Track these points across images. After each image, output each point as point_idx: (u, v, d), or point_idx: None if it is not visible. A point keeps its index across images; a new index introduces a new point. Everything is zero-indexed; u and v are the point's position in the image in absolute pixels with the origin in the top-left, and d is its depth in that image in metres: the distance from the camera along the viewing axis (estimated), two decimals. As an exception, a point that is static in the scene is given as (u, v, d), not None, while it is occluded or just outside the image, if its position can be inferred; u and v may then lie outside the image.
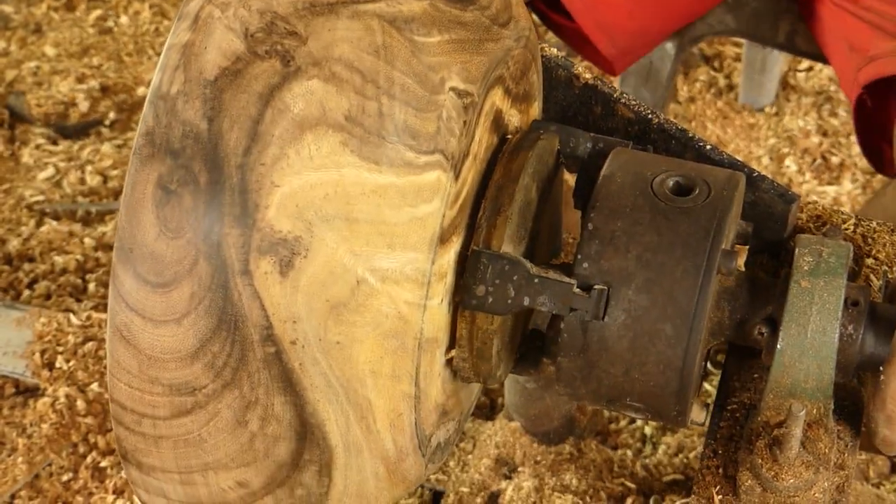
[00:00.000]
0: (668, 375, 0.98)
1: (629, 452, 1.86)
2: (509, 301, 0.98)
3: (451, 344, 1.02)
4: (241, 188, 0.88)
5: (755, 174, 1.12)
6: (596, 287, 0.97)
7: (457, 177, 0.97)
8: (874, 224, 1.18)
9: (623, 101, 1.16)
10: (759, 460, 0.99)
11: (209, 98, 0.88)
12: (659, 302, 0.96)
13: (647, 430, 1.92)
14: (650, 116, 1.15)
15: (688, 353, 0.97)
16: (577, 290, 0.97)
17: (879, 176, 2.37)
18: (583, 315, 0.97)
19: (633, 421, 1.93)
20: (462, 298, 0.99)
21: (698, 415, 1.05)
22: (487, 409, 1.95)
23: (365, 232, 0.92)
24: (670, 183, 1.00)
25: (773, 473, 0.99)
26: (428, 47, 0.94)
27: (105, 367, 1.92)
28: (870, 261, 1.15)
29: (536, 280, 0.98)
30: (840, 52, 1.63)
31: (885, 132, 1.64)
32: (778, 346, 1.00)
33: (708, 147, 1.13)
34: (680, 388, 0.98)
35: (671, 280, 0.96)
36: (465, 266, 0.99)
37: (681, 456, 1.85)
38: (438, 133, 0.94)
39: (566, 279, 0.97)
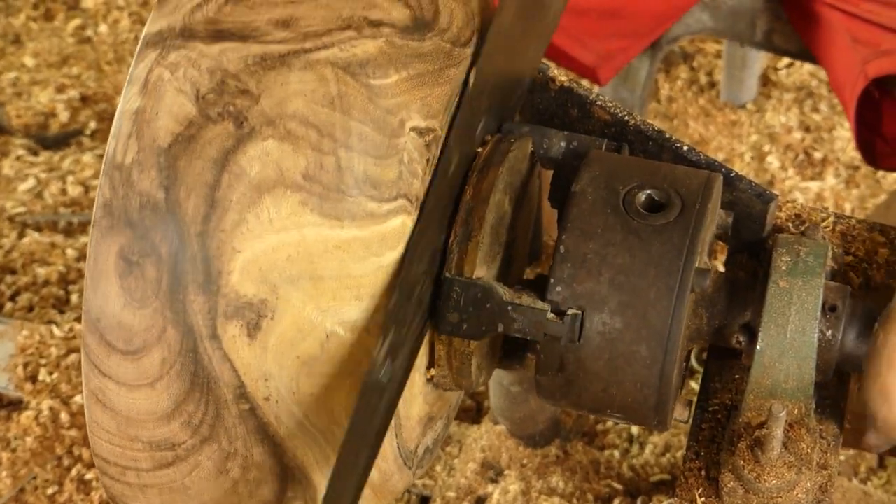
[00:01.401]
0: (646, 393, 0.98)
1: (616, 453, 1.86)
2: (483, 328, 0.98)
3: (431, 363, 1.02)
4: (202, 256, 0.87)
5: (732, 174, 1.12)
6: (570, 312, 0.97)
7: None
8: (853, 221, 1.17)
9: (599, 103, 1.16)
10: (741, 462, 0.99)
11: (164, 167, 0.87)
12: (633, 325, 0.96)
13: (634, 430, 1.92)
14: (626, 118, 1.15)
15: (664, 373, 0.97)
16: (551, 315, 0.97)
17: (863, 170, 2.37)
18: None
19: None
20: (436, 324, 0.99)
21: (682, 413, 1.05)
22: (474, 412, 1.95)
23: (331, 288, 0.91)
24: (642, 198, 0.99)
25: (755, 475, 0.99)
26: (385, 90, 0.92)
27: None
28: (849, 258, 1.15)
29: (510, 307, 0.97)
30: (838, 46, 1.63)
31: (877, 127, 1.64)
32: (757, 347, 1.00)
33: (685, 148, 1.13)
34: (658, 403, 0.99)
35: (645, 302, 0.96)
36: (438, 292, 0.98)
37: (668, 455, 1.85)
38: (400, 178, 0.93)
39: (539, 305, 0.97)
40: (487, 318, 0.98)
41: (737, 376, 1.10)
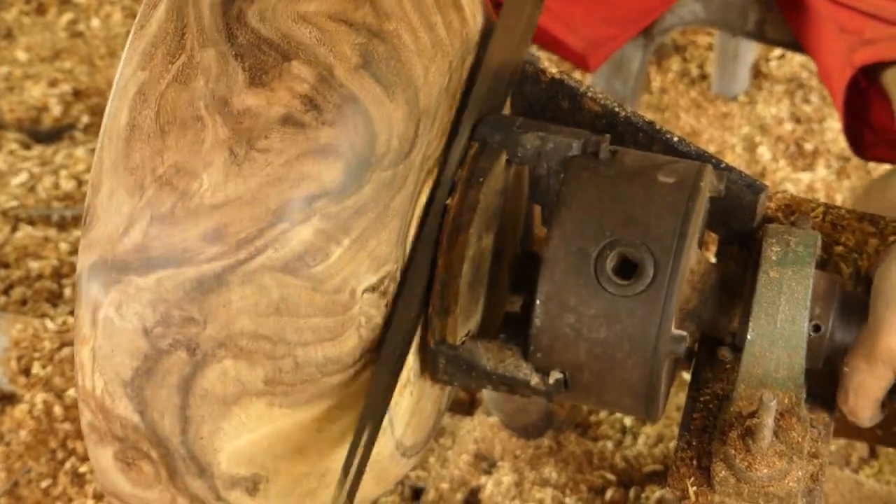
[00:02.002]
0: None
1: (609, 444, 1.87)
2: (474, 385, 1.04)
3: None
4: (189, 457, 0.91)
5: (722, 165, 1.12)
6: (553, 375, 1.01)
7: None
8: (843, 211, 1.18)
9: (590, 94, 1.16)
10: (733, 451, 1.00)
11: (132, 396, 0.90)
12: (613, 387, 1.01)
13: (627, 422, 1.92)
14: (617, 110, 1.15)
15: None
16: (535, 381, 1.01)
17: (854, 162, 2.38)
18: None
19: (612, 412, 1.94)
20: (429, 373, 1.04)
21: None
22: (467, 405, 1.95)
23: (316, 450, 0.96)
24: (614, 261, 0.98)
25: (746, 464, 0.99)
26: (329, 271, 0.90)
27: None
28: (839, 248, 1.16)
29: (494, 376, 1.02)
30: (825, 35, 1.64)
31: (864, 116, 1.65)
32: (748, 337, 1.01)
33: (675, 139, 1.14)
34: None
35: (622, 371, 0.99)
36: (424, 355, 1.03)
37: (661, 446, 1.86)
38: (361, 340, 0.94)
39: (522, 373, 1.01)
40: (476, 381, 1.03)
41: (728, 366, 1.10)
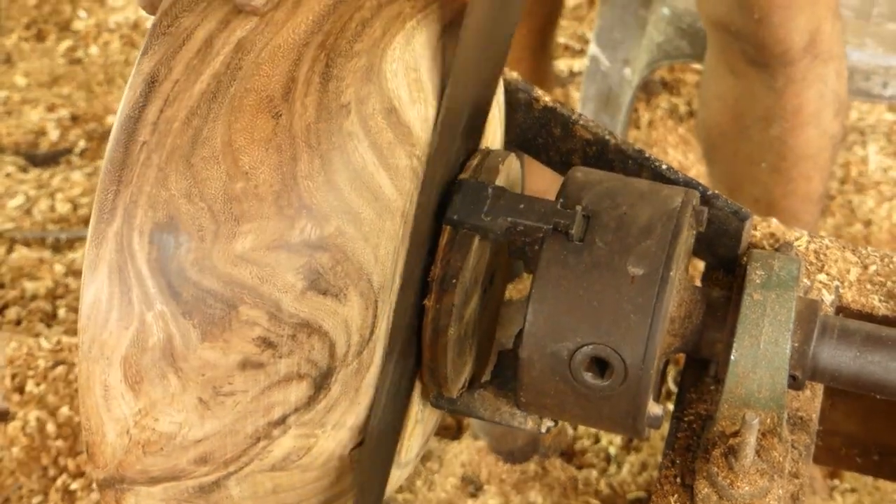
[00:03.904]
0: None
1: (594, 472, 1.88)
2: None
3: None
4: None
5: (709, 192, 1.15)
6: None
7: None
8: (826, 241, 1.21)
9: (581, 122, 1.19)
10: (716, 469, 1.01)
11: None
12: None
13: (612, 450, 1.94)
14: (607, 137, 1.18)
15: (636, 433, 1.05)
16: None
17: (839, 200, 2.41)
18: None
19: (597, 441, 1.95)
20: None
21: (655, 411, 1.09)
22: (454, 430, 1.97)
23: None
24: (587, 361, 0.99)
25: (728, 481, 1.01)
26: (313, 456, 0.97)
27: (75, 391, 1.94)
28: (822, 276, 1.18)
29: (492, 421, 1.09)
30: None
31: None
32: (732, 357, 1.03)
33: (664, 167, 1.16)
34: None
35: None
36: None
37: (645, 474, 1.88)
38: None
39: (517, 421, 1.08)
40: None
41: (712, 387, 1.12)
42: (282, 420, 0.91)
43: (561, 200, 1.00)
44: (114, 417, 0.88)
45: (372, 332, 0.95)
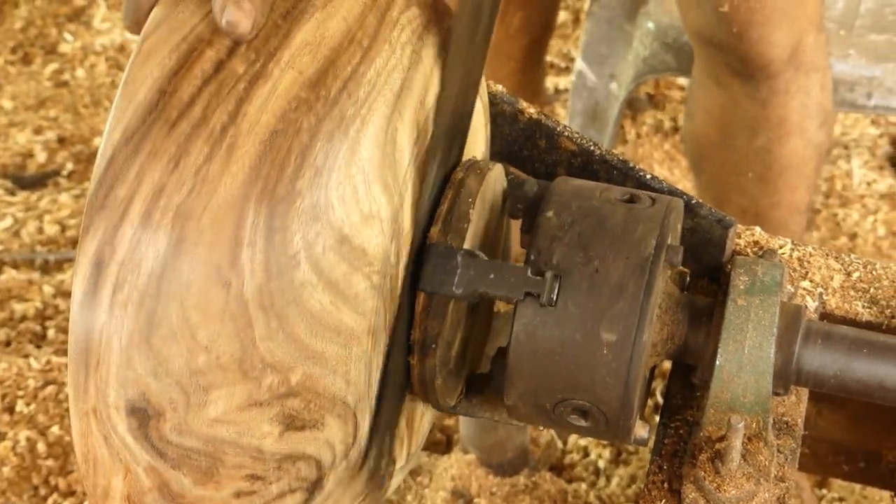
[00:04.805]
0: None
1: (583, 485, 1.89)
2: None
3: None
4: None
5: (693, 201, 1.15)
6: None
7: None
8: (809, 249, 1.22)
9: (566, 134, 1.20)
10: (702, 473, 1.02)
11: None
12: None
13: (601, 464, 1.94)
14: (592, 148, 1.19)
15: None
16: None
17: (824, 214, 2.42)
18: None
19: (586, 454, 1.96)
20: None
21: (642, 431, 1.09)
22: (444, 445, 1.98)
23: None
24: (570, 409, 1.02)
25: (715, 485, 1.02)
26: None
27: (65, 410, 1.94)
28: (805, 283, 1.19)
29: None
30: None
31: None
32: (717, 362, 1.03)
33: (648, 176, 1.17)
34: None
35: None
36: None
37: (634, 487, 1.88)
38: None
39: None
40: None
41: (698, 394, 1.13)
42: None
43: (532, 259, 0.99)
44: None
45: (355, 437, 0.97)
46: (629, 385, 0.98)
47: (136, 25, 0.94)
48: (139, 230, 0.84)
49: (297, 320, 0.88)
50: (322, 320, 0.90)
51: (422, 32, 0.98)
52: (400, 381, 1.02)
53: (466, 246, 1.00)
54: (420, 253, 0.99)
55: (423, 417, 1.13)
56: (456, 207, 1.01)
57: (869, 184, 2.52)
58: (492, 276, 0.98)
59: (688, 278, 1.11)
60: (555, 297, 0.98)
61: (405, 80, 0.95)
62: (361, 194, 0.90)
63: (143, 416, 0.87)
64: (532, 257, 0.99)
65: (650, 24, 1.96)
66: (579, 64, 2.08)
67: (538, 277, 0.97)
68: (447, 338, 1.01)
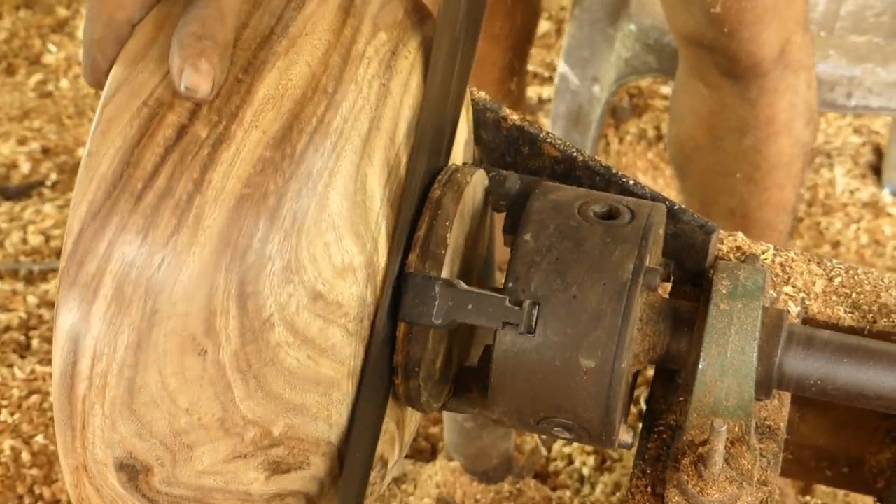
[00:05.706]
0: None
1: (568, 493, 1.89)
2: None
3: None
4: None
5: (676, 207, 1.16)
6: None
7: None
8: (792, 254, 1.23)
9: (549, 140, 1.21)
10: (685, 477, 1.02)
11: None
12: None
13: (585, 471, 1.95)
14: (575, 154, 1.20)
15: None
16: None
17: (807, 222, 2.43)
18: None
19: (571, 462, 1.96)
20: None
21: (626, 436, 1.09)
22: (428, 453, 1.98)
23: None
24: (552, 426, 1.04)
25: (698, 489, 1.02)
26: None
27: (50, 419, 1.94)
28: (788, 288, 1.20)
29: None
30: None
31: None
32: (699, 367, 1.04)
33: (631, 182, 1.18)
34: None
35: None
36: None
37: (618, 494, 1.89)
38: None
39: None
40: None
41: (681, 398, 1.14)
42: None
43: (510, 287, 0.99)
44: None
45: (342, 468, 0.99)
46: (609, 407, 1.00)
47: (96, 84, 0.94)
48: (112, 305, 0.84)
49: (275, 378, 0.89)
50: (300, 375, 0.91)
51: (390, 60, 0.97)
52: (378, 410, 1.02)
53: (446, 266, 1.00)
54: (399, 277, 0.99)
55: (412, 415, 1.13)
56: (433, 233, 1.00)
57: (852, 192, 2.53)
58: (470, 306, 0.98)
59: (672, 266, 1.11)
60: (533, 326, 0.98)
61: (373, 120, 0.94)
62: (333, 249, 0.90)
63: (132, 471, 0.88)
64: (510, 284, 0.99)
65: (632, 26, 1.97)
66: (562, 67, 2.09)
67: (516, 307, 0.98)
68: (430, 357, 1.02)
